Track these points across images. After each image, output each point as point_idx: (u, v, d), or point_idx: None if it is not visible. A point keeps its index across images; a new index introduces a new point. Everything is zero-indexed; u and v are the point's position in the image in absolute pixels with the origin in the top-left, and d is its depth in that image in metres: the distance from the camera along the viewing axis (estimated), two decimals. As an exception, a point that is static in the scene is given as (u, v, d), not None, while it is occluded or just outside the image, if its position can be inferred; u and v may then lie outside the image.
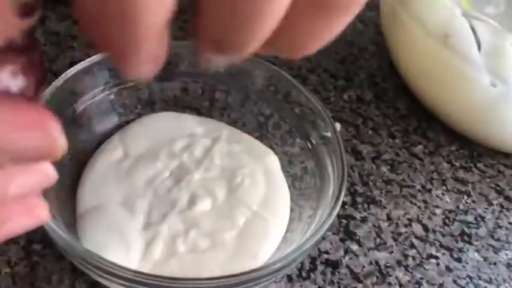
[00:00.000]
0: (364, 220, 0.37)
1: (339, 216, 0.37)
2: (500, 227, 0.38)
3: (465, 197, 0.40)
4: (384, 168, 0.40)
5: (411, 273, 0.35)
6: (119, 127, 0.37)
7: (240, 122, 0.38)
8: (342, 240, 0.36)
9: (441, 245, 0.37)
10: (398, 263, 0.35)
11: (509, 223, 0.39)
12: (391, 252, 0.36)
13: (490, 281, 0.35)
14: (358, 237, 0.36)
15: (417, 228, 0.37)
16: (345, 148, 0.33)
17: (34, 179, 0.18)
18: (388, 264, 0.35)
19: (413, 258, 0.36)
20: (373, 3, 0.53)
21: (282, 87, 0.37)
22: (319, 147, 0.35)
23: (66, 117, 0.34)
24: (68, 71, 0.33)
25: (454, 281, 0.35)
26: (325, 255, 0.35)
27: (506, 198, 0.40)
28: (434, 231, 0.37)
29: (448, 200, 0.39)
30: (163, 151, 0.35)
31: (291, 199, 0.35)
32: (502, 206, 0.40)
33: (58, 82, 0.33)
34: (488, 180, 0.41)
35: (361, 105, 0.45)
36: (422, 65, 0.42)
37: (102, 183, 0.33)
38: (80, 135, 0.35)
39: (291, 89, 0.37)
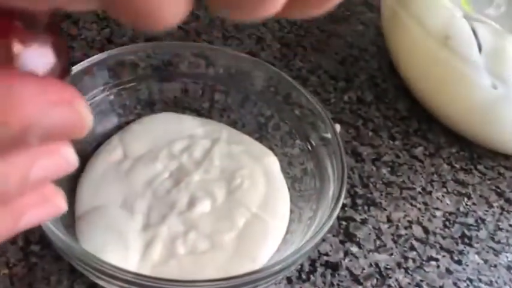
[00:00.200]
0: (364, 222, 0.37)
1: (338, 218, 0.37)
2: (500, 229, 0.38)
3: (465, 199, 0.40)
4: (384, 170, 0.40)
5: (411, 275, 0.35)
6: (119, 128, 0.37)
7: (239, 123, 0.38)
8: (342, 242, 0.36)
9: (441, 247, 0.36)
10: (399, 265, 0.35)
11: (510, 225, 0.39)
12: (391, 254, 0.36)
13: (490, 284, 0.35)
14: (358, 239, 0.36)
15: (417, 231, 0.37)
16: (345, 150, 0.33)
17: (55, 164, 0.17)
18: (388, 267, 0.35)
19: (414, 260, 0.36)
20: (373, 4, 0.53)
21: (282, 88, 0.37)
22: (319, 148, 0.35)
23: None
24: (68, 71, 0.33)
25: (454, 284, 0.35)
26: (325, 257, 0.35)
27: (507, 200, 0.40)
28: (434, 234, 0.37)
29: (448, 202, 0.39)
30: (163, 152, 0.35)
31: (291, 200, 0.35)
32: (502, 208, 0.40)
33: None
34: (488, 182, 0.41)
35: (362, 106, 0.45)
36: (422, 67, 0.42)
37: (101, 184, 0.33)
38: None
39: (291, 90, 0.36)
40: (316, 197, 0.33)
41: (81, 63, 0.34)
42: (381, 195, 0.39)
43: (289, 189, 0.35)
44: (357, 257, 0.35)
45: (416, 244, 0.36)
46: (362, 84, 0.46)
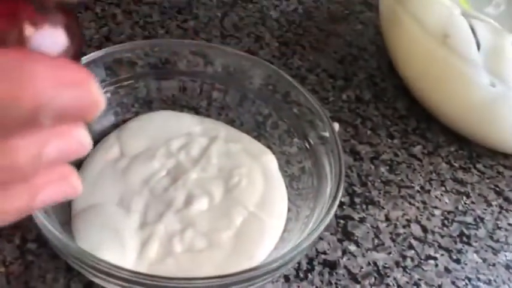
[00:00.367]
0: (362, 221, 0.37)
1: (336, 216, 0.37)
2: (499, 228, 0.38)
3: (464, 197, 0.40)
4: (383, 169, 0.40)
5: (409, 274, 0.35)
6: (116, 126, 0.36)
7: (237, 122, 0.38)
8: (340, 240, 0.36)
9: (440, 246, 0.36)
10: (397, 263, 0.35)
11: (509, 224, 0.38)
12: (390, 253, 0.35)
13: (489, 283, 0.35)
14: (356, 238, 0.36)
15: (416, 229, 0.37)
16: (343, 148, 0.33)
17: (69, 145, 0.18)
18: (386, 265, 0.35)
19: (412, 259, 0.35)
20: (372, 4, 0.53)
21: (281, 86, 0.37)
22: (317, 147, 0.35)
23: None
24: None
25: (453, 282, 0.35)
26: (323, 256, 0.35)
27: (506, 199, 0.40)
28: (433, 232, 0.37)
29: (447, 200, 0.39)
30: (160, 150, 0.35)
31: (289, 199, 0.35)
32: (501, 207, 0.39)
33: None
34: (487, 181, 0.41)
35: (360, 105, 0.44)
36: (421, 65, 0.41)
37: (98, 182, 0.33)
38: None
39: (290, 88, 0.36)
40: (313, 195, 0.33)
41: (79, 60, 0.34)
42: (379, 193, 0.39)
43: (287, 187, 0.35)
44: (355, 256, 0.35)
45: (414, 243, 0.36)
46: (361, 83, 0.46)
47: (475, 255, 0.36)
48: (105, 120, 0.36)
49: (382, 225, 0.37)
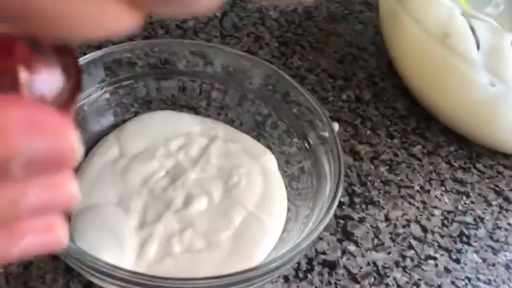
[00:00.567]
0: (362, 220, 0.37)
1: (336, 216, 0.37)
2: (499, 228, 0.38)
3: (464, 197, 0.39)
4: (382, 169, 0.40)
5: (409, 274, 0.35)
6: (115, 126, 0.36)
7: (237, 122, 0.38)
8: (340, 240, 0.35)
9: (440, 246, 0.36)
10: (396, 263, 0.35)
11: (509, 224, 0.38)
12: (389, 253, 0.35)
13: (489, 283, 0.35)
14: (355, 238, 0.36)
15: (415, 229, 0.37)
16: (343, 148, 0.33)
17: (53, 195, 0.17)
18: (386, 265, 0.35)
19: (412, 259, 0.35)
20: (372, 3, 0.53)
21: (280, 86, 0.37)
22: (316, 147, 0.35)
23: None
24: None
25: (453, 282, 0.35)
26: (322, 256, 0.35)
27: (506, 199, 0.40)
28: (432, 232, 0.37)
29: (446, 200, 0.39)
30: (160, 150, 0.35)
31: (288, 199, 0.35)
32: (501, 207, 0.39)
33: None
34: (487, 180, 0.41)
35: (360, 105, 0.44)
36: (421, 65, 0.41)
37: (97, 182, 0.33)
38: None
39: (289, 88, 0.36)
40: (313, 195, 0.33)
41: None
42: (379, 193, 0.39)
43: (286, 187, 0.35)
44: (354, 256, 0.35)
45: (414, 243, 0.36)
46: (360, 82, 0.46)
47: (474, 255, 0.36)
48: (104, 120, 0.36)
49: (382, 225, 0.37)
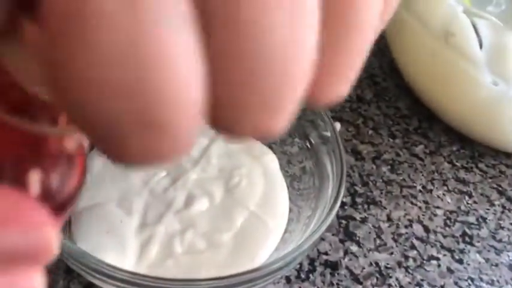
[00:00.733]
0: (364, 221, 0.37)
1: (338, 216, 0.36)
2: (502, 228, 0.38)
3: (466, 197, 0.39)
4: (384, 169, 0.40)
5: (412, 274, 0.34)
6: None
7: (238, 121, 0.38)
8: (342, 241, 0.35)
9: (442, 246, 0.36)
10: (399, 264, 0.35)
11: (511, 224, 0.38)
12: (392, 253, 0.35)
13: (491, 283, 0.35)
14: (358, 238, 0.36)
15: (418, 229, 0.37)
16: (345, 148, 0.33)
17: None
18: (389, 266, 0.35)
19: (414, 259, 0.35)
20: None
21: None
22: (318, 147, 0.34)
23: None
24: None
25: (455, 283, 0.34)
26: (325, 256, 0.34)
27: (508, 199, 0.40)
28: (435, 232, 0.37)
29: (449, 200, 0.39)
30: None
31: (290, 199, 0.34)
32: (503, 207, 0.39)
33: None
34: (489, 180, 0.41)
35: (362, 104, 0.44)
36: (423, 64, 0.41)
37: (97, 182, 0.33)
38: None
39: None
40: (315, 195, 0.33)
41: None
42: (381, 193, 0.38)
43: (288, 187, 0.35)
44: (356, 256, 0.35)
45: (416, 243, 0.36)
46: (362, 82, 0.46)
47: (477, 255, 0.36)
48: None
49: (384, 226, 0.37)
